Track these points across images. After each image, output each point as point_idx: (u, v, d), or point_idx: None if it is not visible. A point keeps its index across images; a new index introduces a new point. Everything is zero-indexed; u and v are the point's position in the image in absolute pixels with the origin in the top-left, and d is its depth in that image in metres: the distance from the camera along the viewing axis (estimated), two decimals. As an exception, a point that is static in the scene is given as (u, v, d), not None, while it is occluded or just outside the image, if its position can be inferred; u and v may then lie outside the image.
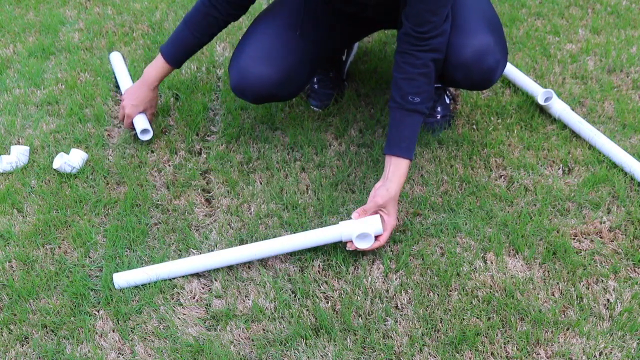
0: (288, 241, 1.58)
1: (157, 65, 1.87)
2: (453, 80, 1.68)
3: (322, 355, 1.41)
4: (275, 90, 1.74)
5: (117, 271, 1.60)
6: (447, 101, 2.02)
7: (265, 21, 1.78)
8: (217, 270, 1.60)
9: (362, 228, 1.54)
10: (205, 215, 1.76)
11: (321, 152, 1.92)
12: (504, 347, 1.41)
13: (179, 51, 1.84)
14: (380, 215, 1.57)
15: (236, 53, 1.76)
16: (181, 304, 1.54)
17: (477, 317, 1.46)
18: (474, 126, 1.99)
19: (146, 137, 1.95)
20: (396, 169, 1.57)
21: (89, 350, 1.45)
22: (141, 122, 1.93)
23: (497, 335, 1.43)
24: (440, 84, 1.99)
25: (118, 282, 1.56)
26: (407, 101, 1.55)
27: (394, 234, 1.65)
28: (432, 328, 1.45)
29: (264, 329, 1.47)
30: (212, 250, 1.65)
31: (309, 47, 1.75)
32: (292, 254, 1.63)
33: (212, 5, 1.73)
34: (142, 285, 1.57)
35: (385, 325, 1.46)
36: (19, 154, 1.94)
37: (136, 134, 1.97)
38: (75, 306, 1.55)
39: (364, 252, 1.61)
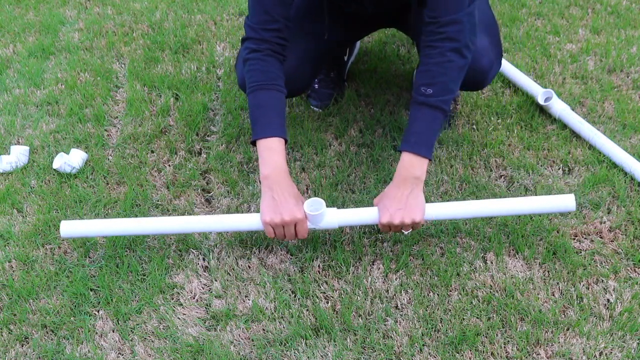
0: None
1: (274, 150, 1.50)
2: None
3: (322, 355, 1.41)
4: None
5: (117, 271, 1.60)
6: (447, 101, 2.02)
7: None
8: (217, 270, 1.60)
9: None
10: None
11: (321, 152, 1.92)
12: (504, 347, 1.41)
13: (278, 118, 1.53)
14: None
15: (242, 52, 1.76)
16: (181, 304, 1.54)
17: (477, 317, 1.46)
18: (474, 126, 1.99)
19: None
20: (399, 164, 1.51)
21: (89, 350, 1.45)
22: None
23: (497, 335, 1.43)
24: None
25: (65, 230, 1.56)
26: (419, 93, 1.47)
27: (396, 235, 1.65)
28: (432, 328, 1.45)
29: (264, 329, 1.47)
30: (212, 251, 1.65)
31: (311, 46, 1.75)
32: (292, 254, 1.63)
33: (265, 46, 1.55)
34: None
35: (385, 325, 1.46)
36: (19, 154, 1.94)
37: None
38: (75, 306, 1.55)
39: (365, 252, 1.61)
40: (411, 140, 1.48)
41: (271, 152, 1.50)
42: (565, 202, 1.51)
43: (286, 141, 1.53)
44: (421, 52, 1.51)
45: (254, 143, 1.53)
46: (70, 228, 1.56)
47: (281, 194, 1.48)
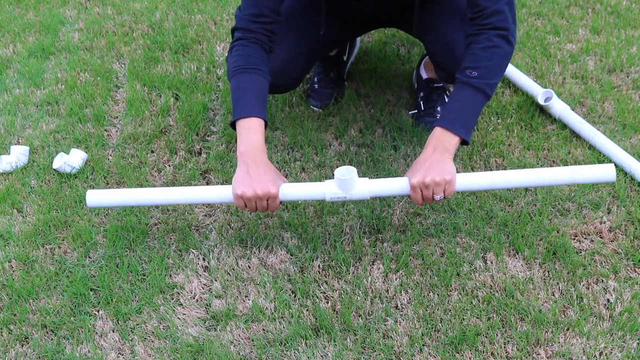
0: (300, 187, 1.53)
1: (252, 129, 1.50)
2: None
3: (322, 355, 1.41)
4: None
5: (117, 271, 1.60)
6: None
7: None
8: (217, 270, 1.60)
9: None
10: (205, 215, 1.76)
11: (321, 152, 1.92)
12: (504, 347, 1.41)
13: (258, 99, 1.54)
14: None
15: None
16: (181, 304, 1.54)
17: (477, 317, 1.46)
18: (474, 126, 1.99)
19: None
20: (429, 137, 1.51)
21: (89, 350, 1.45)
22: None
23: (497, 335, 1.43)
24: (445, 82, 2.00)
25: (90, 200, 1.58)
26: (464, 75, 1.50)
27: (396, 235, 1.66)
28: (432, 328, 1.45)
29: (264, 329, 1.47)
30: (212, 251, 1.65)
31: (305, 40, 1.75)
32: (292, 254, 1.63)
33: (251, 35, 1.58)
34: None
35: (385, 325, 1.46)
36: (19, 154, 1.94)
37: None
38: (75, 306, 1.55)
39: (365, 252, 1.61)
40: (447, 117, 1.49)
41: (249, 130, 1.50)
42: (606, 171, 1.45)
43: (266, 123, 1.53)
44: (469, 40, 1.53)
45: (233, 126, 1.53)
46: (96, 197, 1.58)
47: (256, 169, 1.48)
